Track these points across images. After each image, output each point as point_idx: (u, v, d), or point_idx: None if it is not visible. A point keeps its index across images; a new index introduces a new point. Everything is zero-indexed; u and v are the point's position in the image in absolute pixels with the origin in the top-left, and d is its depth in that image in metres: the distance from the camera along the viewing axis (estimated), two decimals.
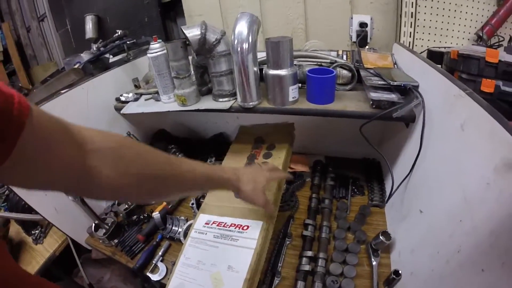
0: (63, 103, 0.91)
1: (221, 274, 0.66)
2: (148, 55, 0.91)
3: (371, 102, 0.75)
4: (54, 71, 2.40)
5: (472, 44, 1.24)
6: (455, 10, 1.21)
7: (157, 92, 1.01)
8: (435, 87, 0.67)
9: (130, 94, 1.07)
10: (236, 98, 0.88)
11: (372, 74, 0.83)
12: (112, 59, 1.54)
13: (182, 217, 0.97)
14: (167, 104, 0.98)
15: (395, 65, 0.96)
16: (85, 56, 1.70)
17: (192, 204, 1.00)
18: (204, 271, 0.69)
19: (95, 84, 1.02)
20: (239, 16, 0.74)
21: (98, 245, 0.96)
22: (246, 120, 1.17)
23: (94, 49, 1.71)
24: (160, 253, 0.88)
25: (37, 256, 1.00)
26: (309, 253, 0.77)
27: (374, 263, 0.74)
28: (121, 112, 1.04)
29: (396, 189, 0.81)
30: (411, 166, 0.72)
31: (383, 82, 0.76)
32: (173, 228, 0.92)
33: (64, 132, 0.32)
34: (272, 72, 0.78)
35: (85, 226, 0.96)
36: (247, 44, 0.73)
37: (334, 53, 1.01)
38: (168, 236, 0.92)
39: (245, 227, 0.74)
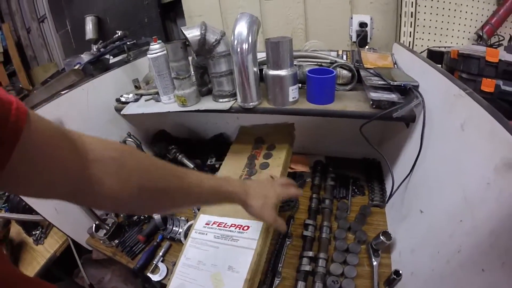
0: (64, 104, 0.91)
1: (221, 275, 0.67)
2: (148, 55, 0.91)
3: (371, 102, 0.75)
4: (54, 72, 2.41)
5: (472, 44, 1.24)
6: (455, 10, 1.21)
7: (157, 93, 1.01)
8: (435, 87, 0.67)
9: (130, 95, 1.07)
10: (236, 99, 0.88)
11: (372, 74, 0.83)
12: (112, 60, 1.55)
13: (183, 218, 0.97)
14: (167, 104, 0.98)
15: (395, 65, 0.96)
16: (85, 57, 1.70)
17: None
18: (204, 271, 0.69)
19: (95, 85, 1.02)
20: (239, 16, 0.74)
21: (98, 246, 0.96)
22: (246, 120, 1.17)
23: (94, 50, 1.70)
24: (160, 254, 0.88)
25: (38, 256, 1.00)
26: (310, 253, 0.77)
27: (374, 263, 0.74)
28: (121, 113, 1.04)
29: (396, 189, 0.81)
30: (411, 166, 0.72)
31: (383, 82, 0.76)
32: (174, 228, 0.92)
33: (63, 138, 0.32)
34: (272, 72, 0.78)
35: (85, 226, 0.96)
36: (247, 45, 0.73)
37: (334, 53, 1.01)
38: (168, 237, 0.92)
39: (246, 228, 0.74)
